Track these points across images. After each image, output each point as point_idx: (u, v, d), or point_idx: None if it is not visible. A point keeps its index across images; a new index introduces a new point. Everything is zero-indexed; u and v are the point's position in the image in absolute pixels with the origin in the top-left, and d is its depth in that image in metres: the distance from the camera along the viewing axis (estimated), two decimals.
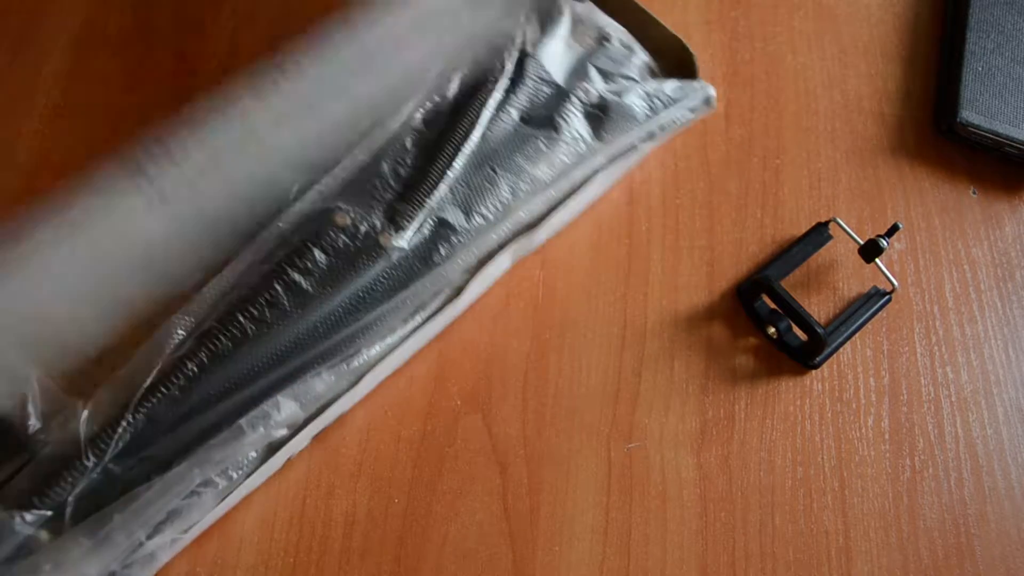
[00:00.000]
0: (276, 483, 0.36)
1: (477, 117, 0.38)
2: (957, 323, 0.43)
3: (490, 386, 0.39)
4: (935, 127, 0.49)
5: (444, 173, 0.37)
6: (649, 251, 0.43)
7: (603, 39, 0.43)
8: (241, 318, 0.34)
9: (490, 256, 0.37)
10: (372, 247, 0.35)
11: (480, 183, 0.38)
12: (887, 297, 0.43)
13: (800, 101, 0.49)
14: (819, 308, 0.43)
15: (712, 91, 0.43)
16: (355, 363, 0.35)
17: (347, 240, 0.35)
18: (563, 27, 0.43)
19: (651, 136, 0.41)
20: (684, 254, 0.43)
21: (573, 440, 0.38)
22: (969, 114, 0.47)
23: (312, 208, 0.36)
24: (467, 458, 0.37)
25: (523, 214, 0.38)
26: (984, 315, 0.43)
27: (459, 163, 0.37)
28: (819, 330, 0.39)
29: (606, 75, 0.42)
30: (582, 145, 0.40)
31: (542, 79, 0.41)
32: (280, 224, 0.36)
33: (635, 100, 0.41)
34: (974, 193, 0.47)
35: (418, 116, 0.39)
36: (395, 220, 0.36)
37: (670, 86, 0.42)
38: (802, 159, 0.47)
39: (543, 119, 0.40)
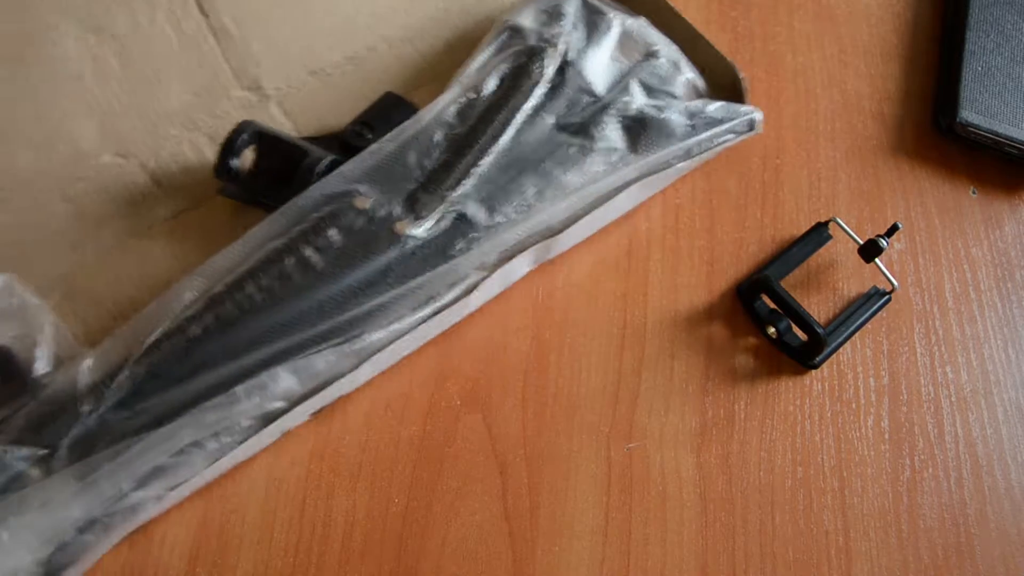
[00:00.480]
0: (276, 483, 0.36)
1: (511, 118, 0.39)
2: (957, 323, 0.43)
3: (490, 386, 0.39)
4: (935, 127, 0.49)
5: (470, 169, 0.38)
6: (649, 251, 0.43)
7: (650, 55, 0.43)
8: (251, 287, 0.34)
9: (508, 257, 0.38)
10: (387, 233, 0.36)
11: (506, 183, 0.38)
12: (887, 297, 0.43)
13: (800, 101, 0.49)
14: (819, 308, 0.43)
15: (759, 115, 0.43)
16: (358, 345, 0.35)
17: (364, 223, 0.36)
18: (610, 39, 0.43)
19: (688, 154, 0.41)
20: (684, 254, 0.43)
21: (573, 440, 0.38)
22: (969, 114, 0.47)
23: (333, 189, 0.36)
24: (467, 458, 0.37)
25: (546, 217, 0.38)
26: (984, 315, 0.43)
27: (487, 160, 0.38)
28: (819, 330, 0.39)
29: (649, 90, 0.42)
30: (615, 156, 0.40)
31: (581, 88, 0.41)
32: (300, 202, 0.36)
33: (676, 117, 0.41)
34: (974, 193, 0.47)
35: (451, 110, 0.39)
36: (415, 209, 0.36)
37: (714, 107, 0.42)
38: (802, 159, 0.47)
39: (578, 127, 0.40)
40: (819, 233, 0.44)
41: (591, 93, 0.41)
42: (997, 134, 0.47)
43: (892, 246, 0.44)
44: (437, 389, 0.38)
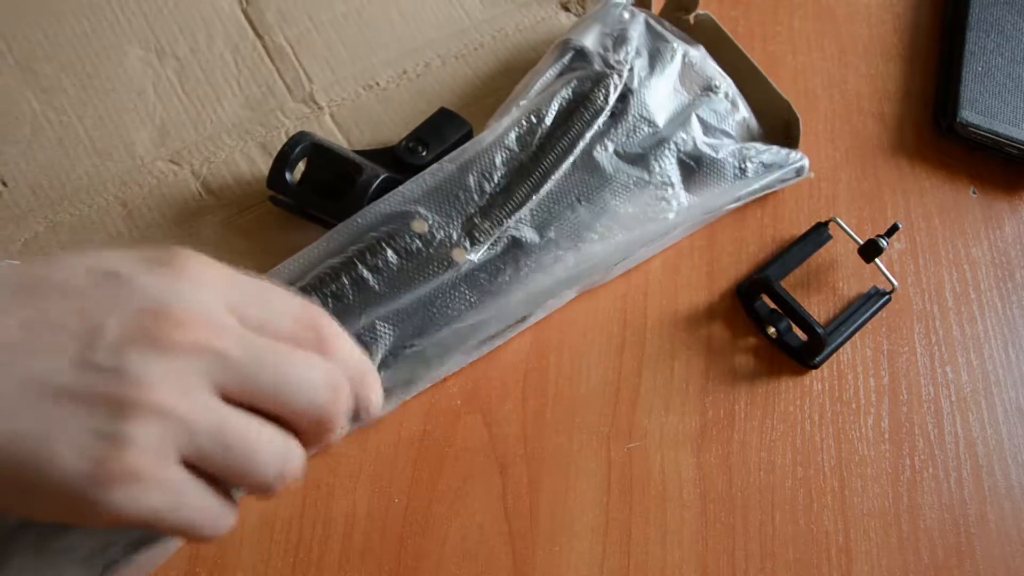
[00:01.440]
0: None
1: (573, 145, 0.39)
2: (957, 323, 0.43)
3: (490, 386, 0.39)
4: (935, 127, 0.49)
5: (530, 196, 0.38)
6: None
7: (710, 89, 0.43)
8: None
9: (558, 291, 0.38)
10: (444, 258, 0.36)
11: (562, 210, 0.38)
12: (887, 297, 0.43)
13: (800, 101, 0.49)
14: (819, 308, 0.43)
15: (806, 162, 0.43)
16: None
17: (421, 246, 0.36)
18: (673, 69, 0.42)
19: (737, 199, 0.42)
20: (684, 254, 0.43)
21: (573, 440, 0.38)
22: (969, 114, 0.47)
23: (392, 209, 0.36)
24: (467, 458, 0.37)
25: (599, 249, 0.38)
26: (984, 315, 0.43)
27: (546, 188, 0.38)
28: (819, 330, 0.39)
29: (706, 127, 0.42)
30: (670, 192, 0.40)
31: (643, 117, 0.41)
32: (359, 220, 0.36)
33: (728, 159, 0.41)
34: (974, 193, 0.47)
35: (512, 135, 0.39)
36: (472, 234, 0.37)
37: (767, 154, 0.42)
38: None
39: (636, 157, 0.40)
40: (819, 233, 0.44)
41: (651, 123, 0.41)
42: (997, 134, 0.47)
43: (892, 246, 0.44)
44: (437, 389, 0.38)
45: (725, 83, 0.43)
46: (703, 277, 0.43)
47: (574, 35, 0.42)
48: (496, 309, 0.36)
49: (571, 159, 0.38)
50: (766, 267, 0.42)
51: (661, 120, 0.41)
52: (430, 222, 0.36)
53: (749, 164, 0.42)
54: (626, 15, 0.43)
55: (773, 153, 0.43)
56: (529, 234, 0.37)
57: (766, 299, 0.41)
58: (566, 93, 0.40)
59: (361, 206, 0.37)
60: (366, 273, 0.35)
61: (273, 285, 0.26)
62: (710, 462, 0.38)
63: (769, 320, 0.41)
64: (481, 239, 0.36)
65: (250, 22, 0.45)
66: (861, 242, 0.42)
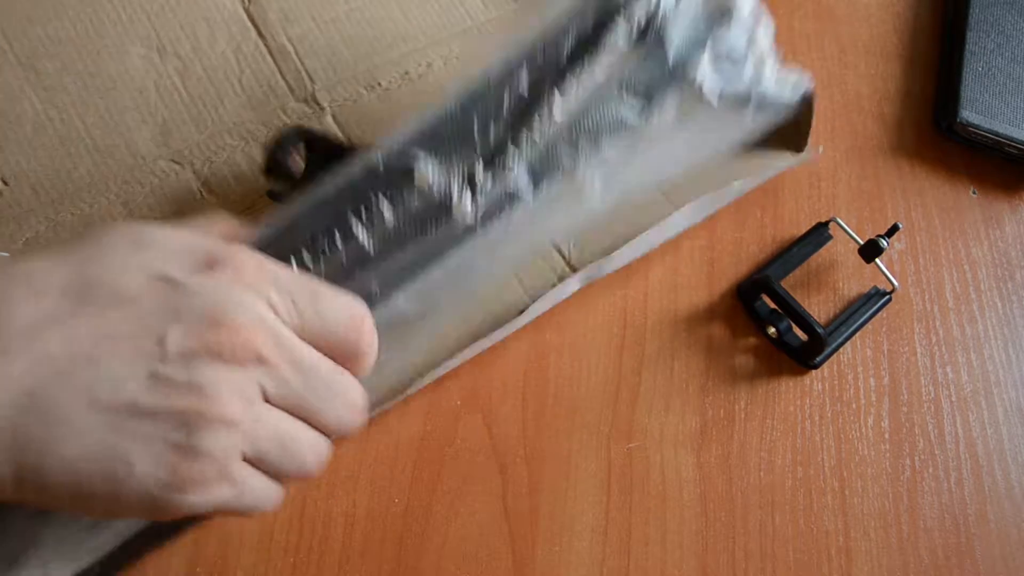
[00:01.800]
0: None
1: (582, 84, 0.35)
2: (957, 323, 0.43)
3: (490, 386, 0.39)
4: (935, 127, 0.49)
5: (532, 140, 0.34)
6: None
7: (725, 13, 0.37)
8: (293, 261, 0.32)
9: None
10: (444, 213, 0.33)
11: (561, 157, 0.35)
12: (887, 297, 0.43)
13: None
14: (819, 308, 0.43)
15: (809, 85, 0.38)
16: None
17: (421, 204, 0.33)
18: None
19: (730, 144, 0.37)
20: (684, 254, 0.43)
21: (573, 440, 0.38)
22: (969, 114, 0.47)
23: (391, 152, 0.33)
24: (467, 458, 0.37)
25: (595, 203, 0.35)
26: (984, 315, 0.43)
27: (549, 132, 0.34)
28: (819, 330, 0.39)
29: (717, 61, 0.36)
30: (664, 136, 0.36)
31: (656, 52, 0.36)
32: (355, 169, 0.33)
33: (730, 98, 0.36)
34: (974, 193, 0.47)
35: (523, 71, 0.35)
36: (472, 185, 0.33)
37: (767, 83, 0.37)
38: None
39: (644, 95, 0.35)
40: (819, 233, 0.44)
41: (663, 55, 0.36)
42: (997, 134, 0.47)
43: (892, 246, 0.44)
44: (437, 389, 0.38)
45: (746, 7, 0.37)
46: (703, 277, 0.43)
47: None
48: (485, 249, 0.34)
49: (578, 100, 0.35)
50: (766, 267, 0.42)
51: (672, 51, 0.36)
52: (432, 176, 0.33)
53: (750, 103, 0.37)
54: None
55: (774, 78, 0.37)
56: (525, 181, 0.34)
57: (766, 299, 0.41)
58: (582, 24, 0.35)
59: None
60: (359, 230, 0.32)
61: (323, 287, 0.27)
62: (710, 462, 0.38)
63: (769, 320, 0.41)
64: (481, 191, 0.33)
65: (252, 21, 0.45)
66: (861, 242, 0.42)
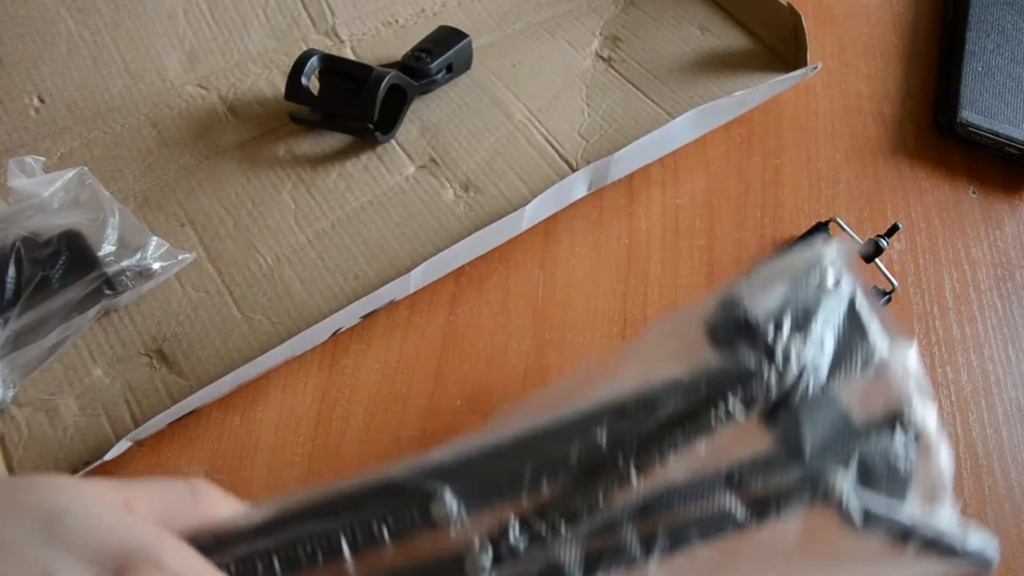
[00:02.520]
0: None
1: (673, 460, 0.27)
2: (957, 323, 0.43)
3: (490, 386, 0.39)
4: (935, 127, 0.49)
5: (597, 512, 0.27)
6: (649, 251, 0.43)
7: (896, 422, 0.29)
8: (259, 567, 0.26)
9: None
10: (454, 566, 0.26)
11: (626, 544, 0.27)
12: (887, 297, 0.43)
13: (800, 101, 0.49)
14: None
15: (992, 548, 0.28)
16: None
17: (431, 546, 0.26)
18: (859, 381, 0.29)
19: None
20: (684, 254, 0.43)
21: None
22: (969, 114, 0.47)
23: (410, 476, 0.27)
24: None
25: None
26: (984, 315, 0.43)
27: (615, 505, 0.27)
28: None
29: (867, 474, 0.28)
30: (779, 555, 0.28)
31: (786, 443, 0.28)
32: (367, 479, 0.27)
33: (882, 532, 0.27)
34: (974, 193, 0.47)
35: (604, 424, 0.28)
36: (498, 545, 0.26)
37: (933, 529, 0.28)
38: (802, 159, 0.47)
39: (756, 500, 0.28)
40: (819, 233, 0.44)
41: (794, 453, 0.28)
42: (997, 134, 0.47)
43: (892, 246, 0.44)
44: (437, 389, 0.38)
45: (923, 414, 0.29)
46: (703, 277, 0.43)
47: (746, 291, 0.30)
48: None
49: (666, 473, 0.27)
50: None
51: (809, 449, 0.28)
52: (453, 512, 0.26)
53: (911, 542, 0.27)
54: (830, 279, 0.30)
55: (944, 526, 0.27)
56: (572, 558, 0.26)
57: None
58: (695, 386, 0.28)
59: (374, 103, 0.40)
60: (347, 553, 0.26)
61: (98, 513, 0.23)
62: None
63: None
64: (509, 556, 0.26)
65: None
66: (861, 242, 0.42)
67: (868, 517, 0.27)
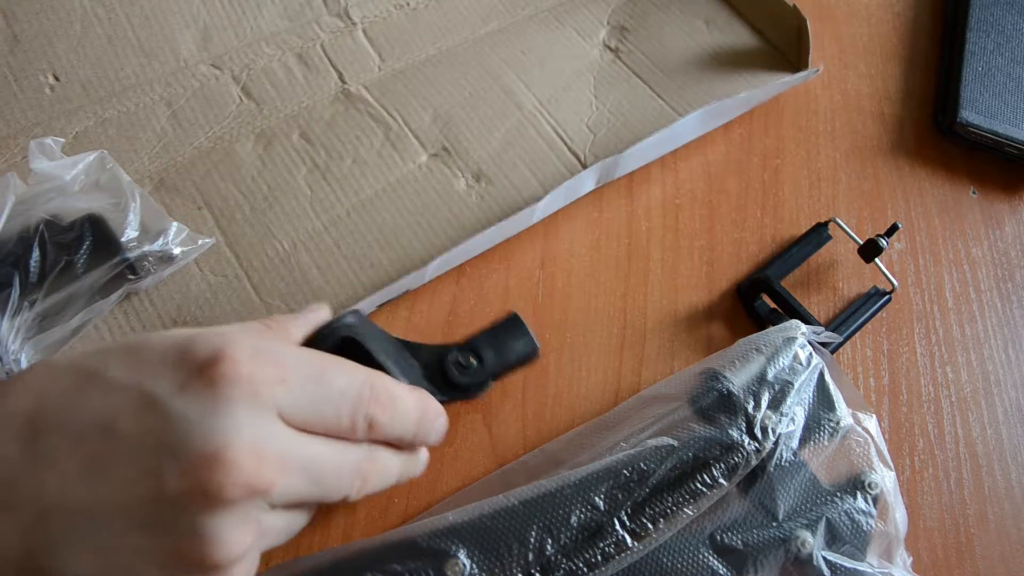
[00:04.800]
0: None
1: (667, 524, 0.31)
2: (957, 323, 0.43)
3: None
4: (935, 127, 0.49)
5: (594, 568, 0.30)
6: (649, 251, 0.43)
7: (859, 487, 0.33)
8: None
9: None
10: None
11: None
12: (887, 297, 0.43)
13: (800, 101, 0.49)
14: (819, 308, 0.43)
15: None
16: None
17: None
18: (826, 451, 0.34)
19: None
20: (684, 254, 0.43)
21: None
22: (969, 114, 0.47)
23: (428, 537, 0.30)
24: (467, 458, 0.37)
25: None
26: (984, 315, 0.43)
27: (614, 562, 0.30)
28: None
29: (834, 535, 0.32)
30: None
31: (763, 505, 0.32)
32: (384, 540, 0.31)
33: None
34: (974, 193, 0.47)
35: (601, 490, 0.31)
36: None
37: None
38: (802, 159, 0.47)
39: (733, 552, 0.32)
40: (819, 233, 0.44)
41: (769, 514, 0.32)
42: (997, 134, 0.47)
43: (892, 246, 0.44)
44: None
45: (882, 477, 0.34)
46: (703, 277, 0.43)
47: (726, 367, 0.34)
48: None
49: (660, 537, 0.31)
50: (766, 267, 0.42)
51: (782, 511, 0.32)
52: (466, 570, 0.30)
53: None
54: (802, 357, 0.34)
55: None
56: None
57: (766, 299, 0.41)
58: (684, 455, 0.32)
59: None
60: None
61: (329, 362, 0.26)
62: None
63: (769, 320, 0.41)
64: None
65: None
66: (861, 242, 0.42)
67: (835, 571, 0.32)
